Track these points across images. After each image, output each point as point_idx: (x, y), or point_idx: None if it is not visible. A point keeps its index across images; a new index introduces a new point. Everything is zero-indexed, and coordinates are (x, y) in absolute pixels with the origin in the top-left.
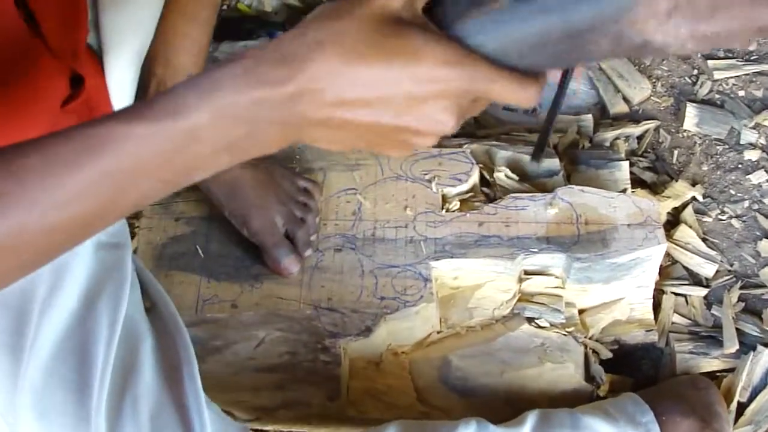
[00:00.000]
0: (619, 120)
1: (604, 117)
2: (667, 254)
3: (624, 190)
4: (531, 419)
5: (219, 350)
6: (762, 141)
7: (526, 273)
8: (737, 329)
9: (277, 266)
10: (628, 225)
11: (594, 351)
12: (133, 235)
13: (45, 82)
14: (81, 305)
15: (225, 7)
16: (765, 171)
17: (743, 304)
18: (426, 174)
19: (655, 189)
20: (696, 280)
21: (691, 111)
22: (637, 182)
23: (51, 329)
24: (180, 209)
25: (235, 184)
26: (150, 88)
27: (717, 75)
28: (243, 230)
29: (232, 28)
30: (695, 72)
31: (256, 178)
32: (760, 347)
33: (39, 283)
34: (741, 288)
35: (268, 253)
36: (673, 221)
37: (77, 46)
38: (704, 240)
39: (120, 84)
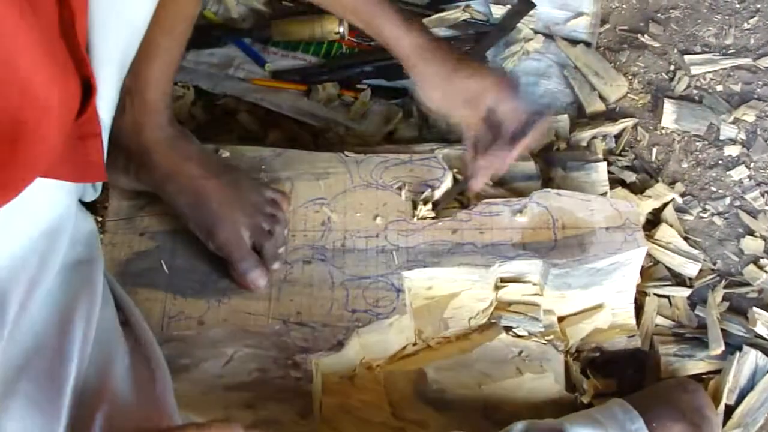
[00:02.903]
0: (595, 119)
1: (580, 116)
2: (649, 255)
3: (604, 194)
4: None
5: (187, 369)
6: (741, 136)
7: (503, 281)
8: (722, 329)
9: (244, 280)
10: (607, 228)
11: (575, 359)
12: None
13: (64, 94)
14: (53, 325)
15: None
16: (745, 167)
17: (728, 304)
18: (397, 181)
19: (635, 188)
20: (679, 280)
21: (668, 107)
22: (616, 182)
23: (18, 351)
24: (144, 224)
25: (200, 195)
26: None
27: (694, 70)
28: (208, 243)
29: (199, 36)
30: (672, 68)
31: (222, 190)
32: (746, 347)
33: (9, 304)
34: (725, 287)
35: (234, 266)
36: (653, 220)
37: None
38: (686, 239)
39: (106, 97)
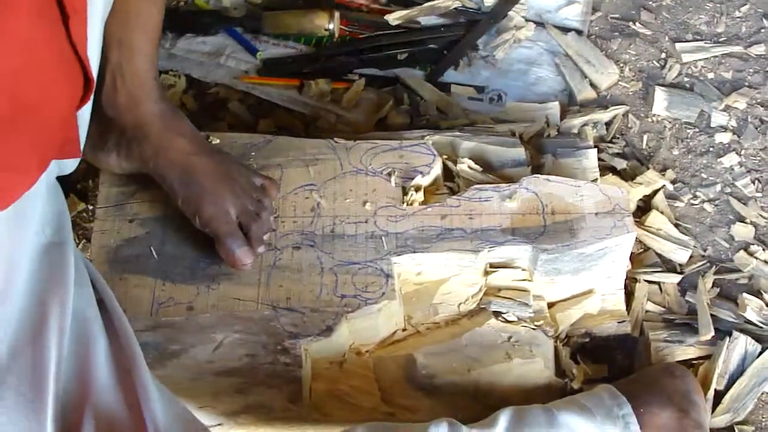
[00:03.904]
0: (586, 106)
1: (571, 104)
2: (639, 241)
3: (594, 180)
4: (504, 418)
5: (177, 354)
6: (732, 123)
7: (492, 266)
8: (712, 315)
9: (231, 257)
10: (596, 214)
11: (565, 345)
12: (87, 238)
13: (70, 88)
14: (30, 315)
15: (183, 2)
16: (736, 154)
17: (718, 290)
18: (386, 167)
19: (625, 175)
20: (669, 266)
21: (660, 95)
22: (606, 169)
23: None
24: (134, 210)
25: (190, 170)
26: (106, 76)
27: (685, 58)
28: (195, 220)
29: (191, 23)
30: (663, 55)
31: (212, 168)
32: (735, 333)
33: None
34: (715, 273)
35: (221, 242)
36: (644, 207)
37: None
38: (677, 225)
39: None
